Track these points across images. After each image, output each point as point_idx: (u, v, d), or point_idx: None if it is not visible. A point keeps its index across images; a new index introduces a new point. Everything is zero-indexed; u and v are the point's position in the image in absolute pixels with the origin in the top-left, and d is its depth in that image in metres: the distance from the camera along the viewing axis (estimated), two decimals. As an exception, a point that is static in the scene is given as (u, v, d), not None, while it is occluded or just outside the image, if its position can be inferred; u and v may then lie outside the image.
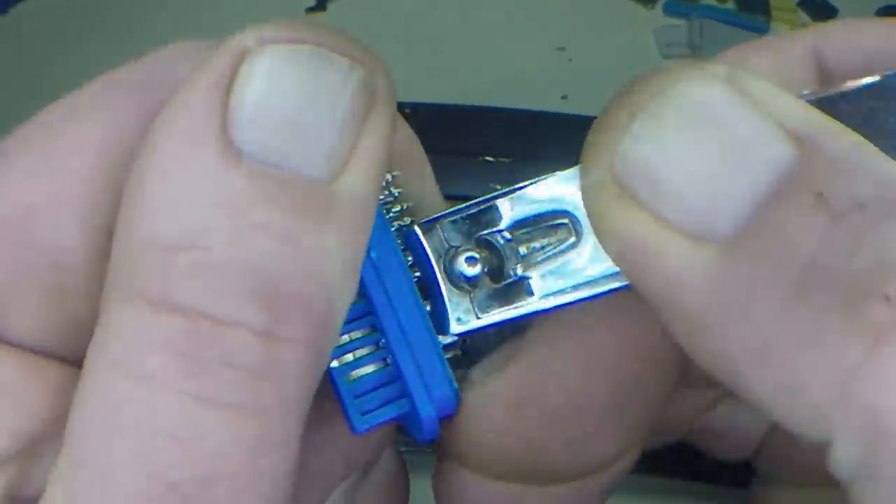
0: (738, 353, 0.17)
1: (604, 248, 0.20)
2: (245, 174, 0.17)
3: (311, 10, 0.60)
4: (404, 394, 0.21)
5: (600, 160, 0.19)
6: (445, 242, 0.22)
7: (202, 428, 0.15)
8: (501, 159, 0.47)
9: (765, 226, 0.17)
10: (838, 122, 0.19)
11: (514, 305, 0.21)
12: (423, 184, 0.24)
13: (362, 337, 0.21)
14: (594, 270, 0.21)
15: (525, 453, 0.22)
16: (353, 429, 0.21)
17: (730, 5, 0.61)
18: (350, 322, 0.20)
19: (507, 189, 0.22)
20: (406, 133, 0.24)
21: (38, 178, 0.19)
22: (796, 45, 0.24)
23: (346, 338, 0.21)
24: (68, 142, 0.19)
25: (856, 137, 0.18)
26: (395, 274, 0.21)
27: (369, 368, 0.21)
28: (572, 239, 0.21)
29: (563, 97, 0.57)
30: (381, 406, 0.21)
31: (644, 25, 0.60)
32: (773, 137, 0.18)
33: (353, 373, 0.20)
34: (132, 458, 0.15)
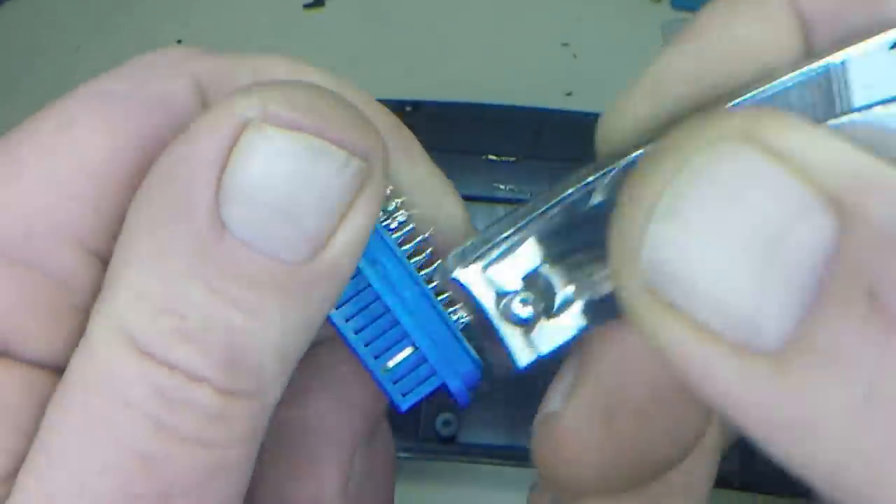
0: (812, 466, 0.16)
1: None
2: (227, 249, 0.18)
3: (308, 6, 0.60)
4: (433, 372, 0.24)
5: (625, 267, 0.18)
6: (492, 282, 0.23)
7: (166, 452, 0.19)
8: (505, 158, 0.47)
9: (815, 336, 0.15)
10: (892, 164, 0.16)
11: (569, 326, 0.23)
12: (415, 170, 0.24)
13: (385, 332, 0.23)
14: None
15: (629, 457, 0.23)
16: (398, 409, 0.24)
17: None
18: (374, 320, 0.23)
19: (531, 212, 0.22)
20: (388, 122, 0.24)
21: (37, 201, 0.20)
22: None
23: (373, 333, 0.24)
24: (66, 163, 0.20)
25: None
26: (398, 274, 0.23)
27: (399, 358, 0.23)
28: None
29: (568, 94, 0.56)
30: (416, 386, 0.24)
31: (651, 20, 0.59)
32: (809, 208, 0.16)
33: (387, 364, 0.23)
34: (107, 469, 0.18)
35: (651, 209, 0.17)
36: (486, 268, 0.22)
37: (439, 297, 0.23)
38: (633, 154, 0.21)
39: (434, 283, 0.23)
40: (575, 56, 0.59)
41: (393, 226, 0.23)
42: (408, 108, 0.48)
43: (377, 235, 0.22)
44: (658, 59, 0.23)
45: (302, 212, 0.19)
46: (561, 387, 0.23)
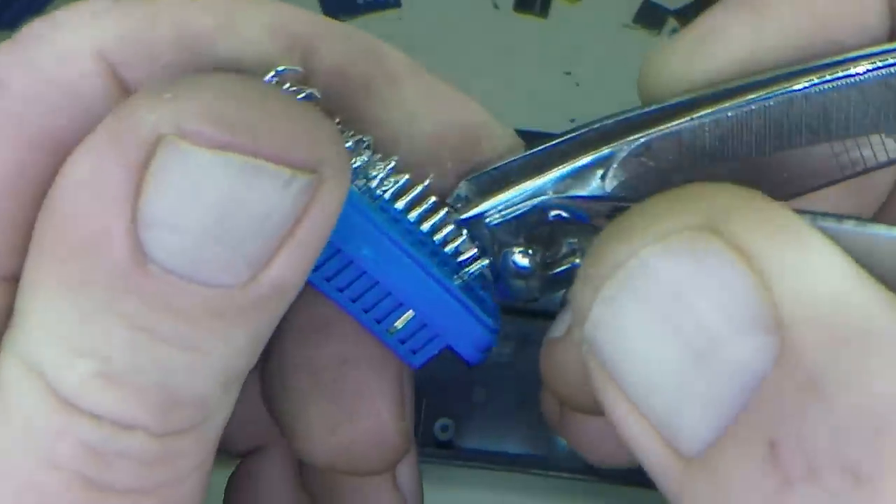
0: None
1: None
2: (149, 281, 0.16)
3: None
4: (437, 335, 0.22)
5: (576, 326, 0.17)
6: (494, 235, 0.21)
7: None
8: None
9: (717, 464, 0.15)
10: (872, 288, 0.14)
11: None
12: (401, 101, 0.21)
13: (384, 300, 0.21)
14: None
15: None
16: (411, 367, 0.23)
17: (734, 34, 0.62)
18: (370, 289, 0.21)
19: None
20: (357, 49, 0.20)
21: None
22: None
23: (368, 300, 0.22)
24: None
25: (863, 324, 0.14)
26: (385, 245, 0.21)
27: (403, 319, 0.22)
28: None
29: (571, 120, 0.58)
30: (426, 344, 0.22)
31: (650, 51, 0.61)
32: (756, 326, 0.15)
33: (394, 325, 0.22)
34: None
35: (596, 290, 0.16)
36: (490, 214, 0.21)
37: (447, 248, 0.22)
38: (643, 136, 0.20)
39: (437, 236, 0.22)
40: (577, 84, 0.60)
41: (378, 192, 0.21)
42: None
43: (354, 209, 0.20)
44: (707, 17, 0.21)
45: (235, 236, 0.16)
46: (565, 318, 0.23)
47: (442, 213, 0.22)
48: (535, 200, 0.21)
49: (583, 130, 0.21)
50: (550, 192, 0.21)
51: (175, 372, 0.16)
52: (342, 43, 0.20)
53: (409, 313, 0.22)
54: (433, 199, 0.21)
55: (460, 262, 0.22)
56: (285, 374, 0.23)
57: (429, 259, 0.21)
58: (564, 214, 0.21)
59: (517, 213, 0.21)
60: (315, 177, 0.16)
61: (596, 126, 0.21)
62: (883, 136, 0.19)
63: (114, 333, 0.16)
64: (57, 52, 0.18)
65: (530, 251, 0.21)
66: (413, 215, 0.21)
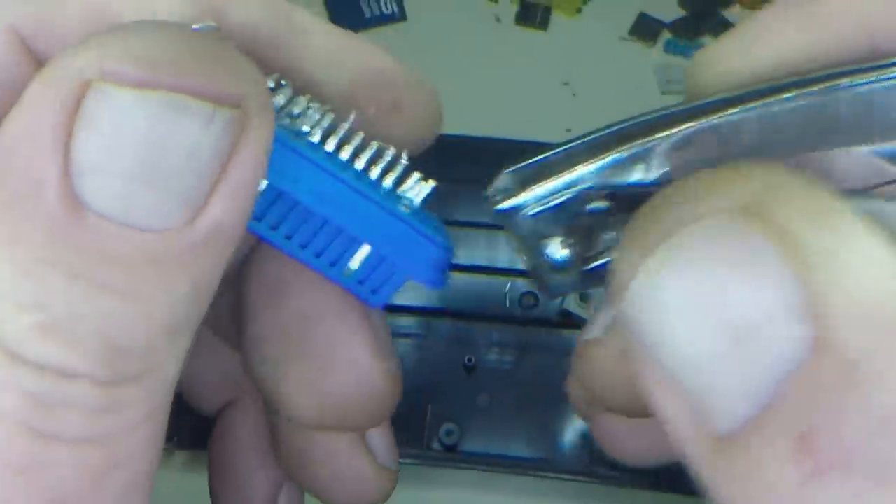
0: None
1: None
2: (85, 229, 0.16)
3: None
4: (396, 266, 0.22)
5: (617, 294, 0.17)
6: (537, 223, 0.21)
7: (50, 460, 0.16)
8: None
9: (749, 445, 0.15)
10: None
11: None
12: (314, 51, 0.21)
13: (334, 240, 0.21)
14: None
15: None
16: (371, 306, 0.22)
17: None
18: (318, 232, 0.21)
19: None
20: (268, 5, 0.21)
21: None
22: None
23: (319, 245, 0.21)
24: None
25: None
26: (325, 181, 0.20)
27: (359, 258, 0.21)
28: None
29: (568, 130, 0.59)
30: (385, 281, 0.22)
31: (645, 62, 0.63)
32: (793, 315, 0.14)
33: (349, 267, 0.21)
34: None
35: (636, 267, 0.16)
36: (529, 205, 0.21)
37: (387, 180, 0.21)
38: (692, 125, 0.19)
39: (375, 168, 0.21)
40: (574, 94, 0.61)
41: (306, 128, 0.20)
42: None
43: (287, 149, 0.19)
44: (759, 17, 0.21)
45: (166, 176, 0.16)
46: (603, 318, 0.22)
47: (374, 147, 0.21)
48: (575, 189, 0.20)
49: (625, 124, 0.20)
50: (591, 183, 0.20)
51: (115, 320, 0.16)
52: (248, 4, 0.20)
53: (363, 250, 0.21)
54: (361, 134, 0.21)
55: (406, 189, 0.21)
56: (257, 342, 0.23)
57: (371, 189, 0.20)
58: (603, 206, 0.20)
59: (556, 202, 0.20)
60: (239, 112, 0.16)
61: (638, 119, 0.20)
62: None
63: (52, 284, 0.16)
64: None
65: (570, 243, 0.21)
66: (347, 150, 0.20)
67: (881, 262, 0.14)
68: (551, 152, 0.21)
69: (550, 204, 0.20)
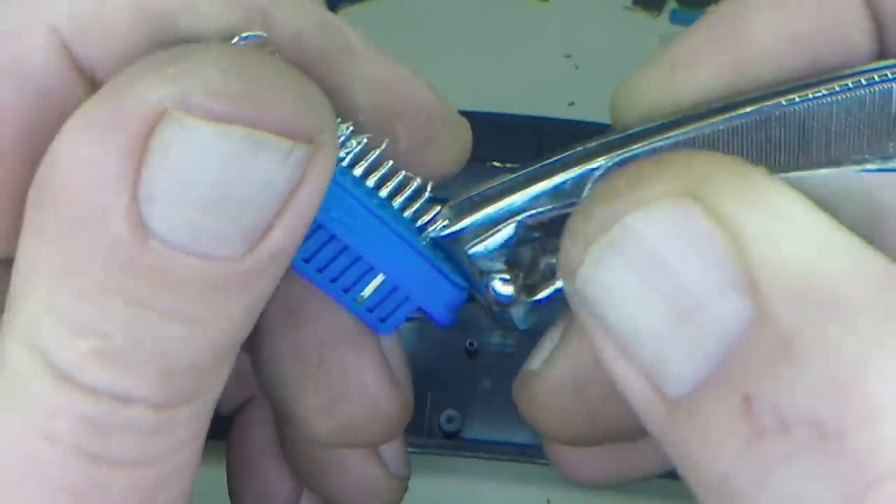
0: (693, 483, 0.17)
1: None
2: (150, 256, 0.16)
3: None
4: (408, 297, 0.22)
5: (566, 280, 0.18)
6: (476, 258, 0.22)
7: (103, 482, 0.16)
8: (508, 164, 0.48)
9: (698, 409, 0.16)
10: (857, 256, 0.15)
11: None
12: (359, 72, 0.21)
13: (351, 266, 0.21)
14: None
15: (596, 424, 0.23)
16: (379, 333, 0.23)
17: (735, 14, 0.61)
18: (336, 257, 0.21)
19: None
20: (315, 23, 0.20)
21: None
22: None
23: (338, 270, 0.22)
24: None
25: (836, 296, 0.15)
26: (353, 210, 0.21)
27: (372, 287, 0.22)
28: None
29: (570, 104, 0.57)
30: (394, 310, 0.22)
31: (650, 33, 0.61)
32: (733, 289, 0.15)
33: (361, 294, 0.22)
34: None
35: (585, 248, 0.17)
36: (471, 241, 0.22)
37: (408, 212, 0.21)
38: (622, 153, 0.21)
39: (398, 198, 0.21)
40: (577, 67, 0.60)
41: (341, 154, 0.20)
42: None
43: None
44: (684, 39, 0.21)
45: (239, 207, 0.16)
46: (543, 350, 0.23)
47: (400, 176, 0.21)
48: (515, 219, 0.22)
49: (563, 155, 0.22)
50: (524, 213, 0.22)
51: (173, 345, 0.16)
52: (298, 13, 0.20)
53: (378, 279, 0.21)
54: (390, 162, 0.21)
55: (425, 222, 0.22)
56: (274, 364, 0.24)
57: (394, 219, 0.21)
58: (542, 233, 0.22)
59: (498, 240, 0.22)
60: (313, 146, 0.17)
61: (576, 149, 0.22)
62: (865, 155, 0.19)
63: (113, 310, 0.16)
64: (8, 26, 0.18)
65: (511, 278, 0.22)
66: (373, 179, 0.21)
67: (813, 238, 0.15)
68: (488, 186, 0.22)
69: (491, 243, 0.22)
